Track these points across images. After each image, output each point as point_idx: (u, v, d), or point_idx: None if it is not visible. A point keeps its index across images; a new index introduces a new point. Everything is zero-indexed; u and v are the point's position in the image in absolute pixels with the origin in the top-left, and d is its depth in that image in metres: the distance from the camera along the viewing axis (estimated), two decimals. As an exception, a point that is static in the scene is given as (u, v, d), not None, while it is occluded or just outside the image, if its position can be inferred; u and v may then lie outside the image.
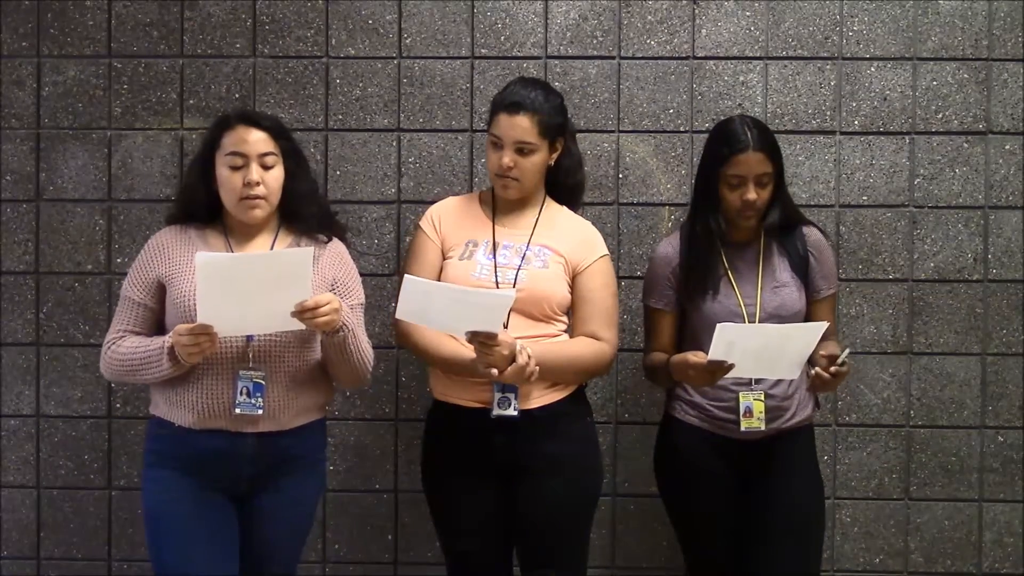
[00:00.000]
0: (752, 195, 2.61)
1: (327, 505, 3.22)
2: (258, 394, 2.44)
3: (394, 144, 3.25)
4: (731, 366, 2.48)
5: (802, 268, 2.71)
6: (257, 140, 2.49)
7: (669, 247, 2.78)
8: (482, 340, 2.44)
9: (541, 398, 2.61)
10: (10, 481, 3.30)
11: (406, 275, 2.48)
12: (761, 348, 2.48)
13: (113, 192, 3.27)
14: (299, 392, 2.52)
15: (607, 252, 2.73)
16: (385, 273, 3.23)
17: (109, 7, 3.27)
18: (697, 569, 2.80)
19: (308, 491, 2.62)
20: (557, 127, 2.66)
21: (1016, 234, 3.20)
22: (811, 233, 2.76)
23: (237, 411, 2.42)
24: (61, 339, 3.28)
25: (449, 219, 2.73)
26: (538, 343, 2.57)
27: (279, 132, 2.55)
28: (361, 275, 2.71)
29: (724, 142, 2.65)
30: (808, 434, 2.78)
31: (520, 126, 2.60)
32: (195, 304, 2.34)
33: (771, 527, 2.67)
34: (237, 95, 3.25)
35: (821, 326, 2.50)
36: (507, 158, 2.61)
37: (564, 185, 2.76)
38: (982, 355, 3.22)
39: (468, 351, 2.52)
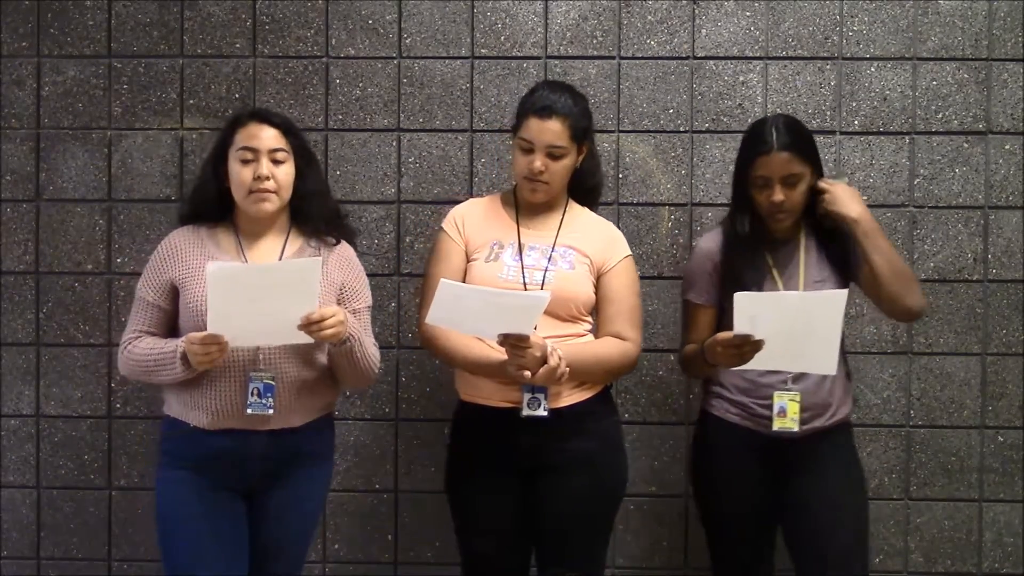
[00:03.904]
0: (779, 196, 2.59)
1: (327, 505, 3.22)
2: (268, 395, 2.48)
3: (394, 144, 3.25)
4: (759, 342, 2.43)
5: (843, 259, 2.67)
6: (268, 136, 2.53)
7: (712, 242, 2.75)
8: (513, 342, 2.44)
9: (569, 397, 2.60)
10: (10, 481, 3.30)
11: (441, 280, 2.46)
12: (785, 322, 2.42)
13: (113, 192, 3.27)
14: (307, 394, 2.56)
15: (630, 252, 2.73)
16: (385, 273, 3.23)
17: (109, 7, 3.27)
18: (723, 569, 2.78)
19: (316, 487, 2.65)
20: (584, 130, 2.66)
21: (1016, 234, 3.20)
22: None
23: (249, 411, 2.46)
24: (61, 339, 3.28)
25: (473, 221, 2.72)
26: (565, 343, 2.56)
27: (290, 130, 2.59)
28: (361, 275, 2.73)
29: (750, 143, 2.65)
30: (848, 431, 2.75)
31: (552, 130, 2.59)
32: (204, 311, 2.39)
33: (816, 525, 2.64)
34: (237, 95, 3.25)
35: (842, 293, 2.46)
36: (539, 162, 2.60)
37: (584, 186, 2.76)
38: (982, 355, 3.22)
39: (497, 354, 2.51)
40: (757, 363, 2.49)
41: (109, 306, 3.26)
